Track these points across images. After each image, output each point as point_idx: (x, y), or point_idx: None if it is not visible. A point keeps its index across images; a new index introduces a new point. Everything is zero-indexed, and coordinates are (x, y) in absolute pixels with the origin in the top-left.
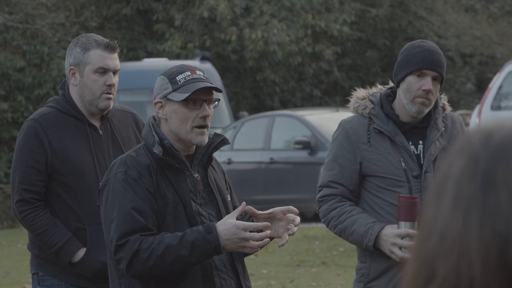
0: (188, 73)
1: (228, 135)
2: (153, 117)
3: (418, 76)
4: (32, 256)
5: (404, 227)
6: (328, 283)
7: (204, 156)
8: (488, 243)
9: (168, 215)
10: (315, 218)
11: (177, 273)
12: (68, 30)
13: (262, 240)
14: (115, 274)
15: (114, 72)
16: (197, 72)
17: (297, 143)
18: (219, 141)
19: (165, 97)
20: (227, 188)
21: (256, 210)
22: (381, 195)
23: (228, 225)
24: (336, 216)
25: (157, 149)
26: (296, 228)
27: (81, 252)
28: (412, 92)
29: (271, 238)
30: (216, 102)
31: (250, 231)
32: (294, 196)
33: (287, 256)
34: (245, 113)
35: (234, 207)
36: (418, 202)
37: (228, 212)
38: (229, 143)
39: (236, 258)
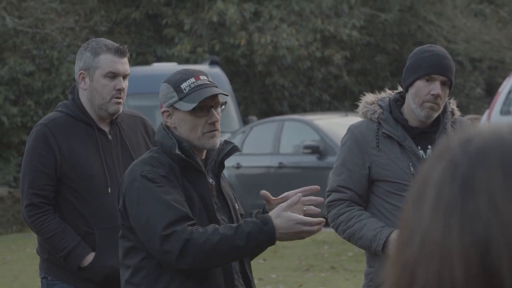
0: (193, 79)
1: (237, 139)
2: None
3: (427, 80)
4: (41, 261)
5: None
6: (336, 287)
7: (216, 162)
8: (469, 248)
9: (195, 216)
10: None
11: (228, 263)
12: (77, 35)
13: (318, 226)
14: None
15: (124, 77)
16: (201, 77)
17: (306, 147)
18: (230, 148)
19: (171, 106)
20: (235, 197)
21: (270, 196)
22: (390, 199)
23: (284, 218)
24: (345, 220)
25: (178, 150)
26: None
27: (90, 257)
28: (421, 97)
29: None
30: (223, 106)
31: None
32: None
33: (295, 261)
34: (254, 118)
35: (241, 215)
36: None
37: (238, 220)
38: (240, 151)
39: (246, 265)
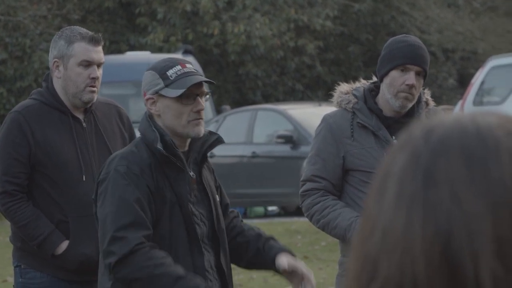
0: (179, 67)
1: (210, 128)
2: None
3: (402, 71)
4: (15, 249)
5: None
6: None
7: (198, 154)
8: (431, 240)
9: (164, 214)
10: (297, 212)
11: None
12: (50, 23)
13: None
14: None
15: (98, 65)
16: (187, 65)
17: (280, 137)
18: (213, 140)
19: (156, 92)
20: (217, 187)
21: (286, 266)
22: (364, 189)
23: None
24: (319, 210)
25: (159, 145)
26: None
27: (64, 245)
28: (395, 87)
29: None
30: (208, 96)
31: None
32: (276, 190)
33: None
34: (227, 107)
35: (226, 205)
36: None
37: (217, 213)
38: (224, 142)
39: (222, 259)
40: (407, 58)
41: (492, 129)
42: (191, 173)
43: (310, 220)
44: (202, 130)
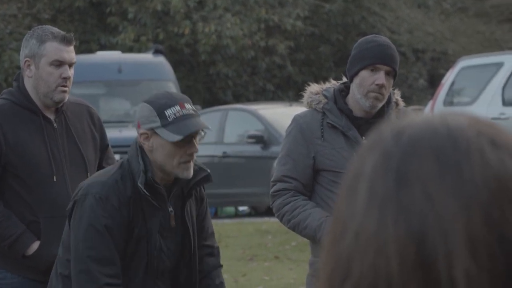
0: (178, 108)
1: None
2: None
3: (372, 70)
4: None
5: None
6: (280, 277)
7: (185, 188)
8: (404, 241)
9: (130, 247)
10: (267, 212)
11: None
12: (20, 22)
13: None
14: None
15: (70, 65)
16: (186, 105)
17: (250, 137)
18: (202, 177)
19: (152, 129)
20: (203, 217)
21: None
22: (334, 189)
23: None
24: (290, 210)
25: (141, 182)
26: None
27: (35, 245)
28: (365, 87)
29: None
30: (203, 133)
31: None
32: (247, 190)
33: (239, 250)
34: (198, 107)
35: (211, 233)
36: None
37: (191, 248)
38: (212, 181)
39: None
40: (376, 58)
41: (463, 130)
42: (170, 209)
43: (281, 220)
44: (191, 173)
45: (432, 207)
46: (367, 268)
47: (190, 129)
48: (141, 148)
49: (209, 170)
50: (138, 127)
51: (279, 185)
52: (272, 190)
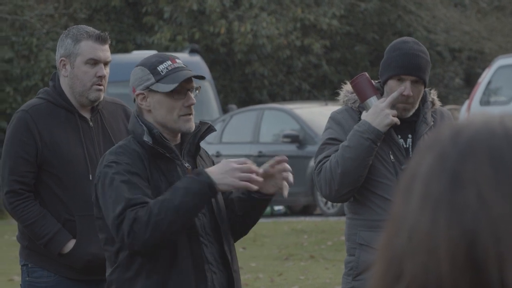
0: (169, 62)
1: (216, 128)
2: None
3: (398, 80)
4: (22, 248)
5: (374, 102)
6: (316, 276)
7: (192, 145)
8: (456, 242)
9: None
10: (303, 211)
11: (185, 227)
12: (56, 22)
13: (252, 171)
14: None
15: (105, 64)
16: (177, 60)
17: (286, 136)
18: (205, 129)
19: (147, 88)
20: None
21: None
22: (368, 186)
23: (220, 163)
24: (329, 164)
25: (146, 138)
26: (290, 176)
27: (71, 244)
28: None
29: (271, 196)
30: (197, 90)
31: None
32: None
33: (275, 250)
34: (234, 106)
35: (227, 198)
36: (368, 77)
37: (216, 202)
38: (215, 130)
39: (226, 250)
40: (401, 69)
41: None
42: (186, 164)
43: (332, 179)
44: (193, 125)
45: (485, 208)
46: (419, 268)
47: (184, 76)
48: (139, 116)
49: (210, 122)
50: (134, 91)
51: (320, 157)
52: (315, 170)
